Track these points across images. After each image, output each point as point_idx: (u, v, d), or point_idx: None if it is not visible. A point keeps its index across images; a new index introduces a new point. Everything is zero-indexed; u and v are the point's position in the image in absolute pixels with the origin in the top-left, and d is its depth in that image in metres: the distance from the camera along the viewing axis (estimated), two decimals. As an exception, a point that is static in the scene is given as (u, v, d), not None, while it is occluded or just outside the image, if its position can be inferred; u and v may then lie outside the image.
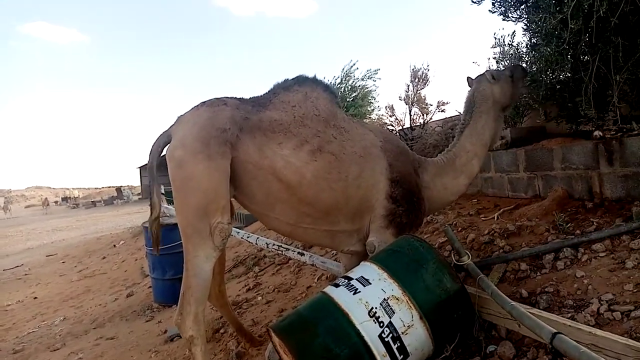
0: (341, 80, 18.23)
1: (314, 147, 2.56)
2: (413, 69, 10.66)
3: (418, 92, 10.67)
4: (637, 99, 3.55)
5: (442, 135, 6.62)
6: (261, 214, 2.75)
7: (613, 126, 3.72)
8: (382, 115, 13.13)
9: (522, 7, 3.76)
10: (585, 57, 3.59)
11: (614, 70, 3.17)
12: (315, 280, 4.44)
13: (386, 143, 2.84)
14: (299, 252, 4.19)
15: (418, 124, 10.71)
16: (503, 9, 3.85)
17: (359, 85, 18.55)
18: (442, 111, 10.66)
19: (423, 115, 11.04)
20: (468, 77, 3.32)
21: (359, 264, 2.53)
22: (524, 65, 3.58)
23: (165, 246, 5.22)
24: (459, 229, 4.31)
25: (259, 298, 4.57)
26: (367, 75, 18.63)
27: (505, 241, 3.61)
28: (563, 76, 3.88)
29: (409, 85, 10.82)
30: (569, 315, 2.36)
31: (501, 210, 4.44)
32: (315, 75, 2.82)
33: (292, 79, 2.82)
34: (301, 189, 2.54)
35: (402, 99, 11.25)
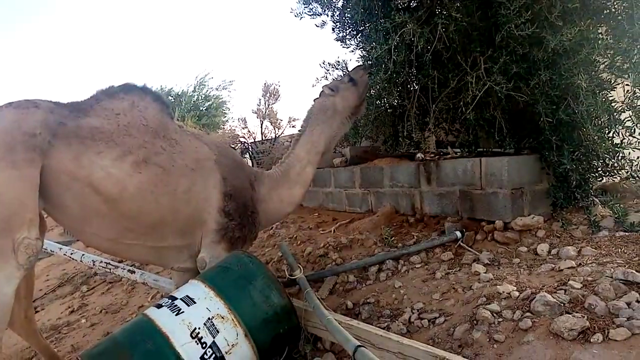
0: (194, 88, 17.85)
1: (138, 158, 2.38)
2: (265, 84, 10.91)
3: (270, 106, 10.91)
4: (451, 126, 4.02)
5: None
6: (76, 230, 2.49)
7: (432, 149, 4.17)
8: (235, 127, 13.19)
9: (359, 35, 4.04)
10: (412, 87, 3.97)
11: (432, 99, 3.56)
12: (149, 299, 4.18)
13: (221, 157, 2.78)
14: (129, 270, 3.89)
15: (270, 137, 10.90)
16: (342, 35, 4.09)
17: (213, 95, 18.35)
18: (292, 127, 11.03)
19: (275, 129, 11.28)
20: (314, 99, 3.38)
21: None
22: (363, 64, 3.55)
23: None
24: (299, 242, 4.42)
25: (83, 321, 4.14)
26: (222, 85, 18.52)
27: (338, 254, 3.79)
28: (392, 102, 4.23)
29: (260, 100, 11.00)
30: (385, 324, 2.54)
31: (338, 224, 4.67)
32: (144, 84, 2.66)
33: (118, 86, 2.60)
34: (123, 203, 2.35)
35: (255, 112, 11.38)
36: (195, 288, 2.28)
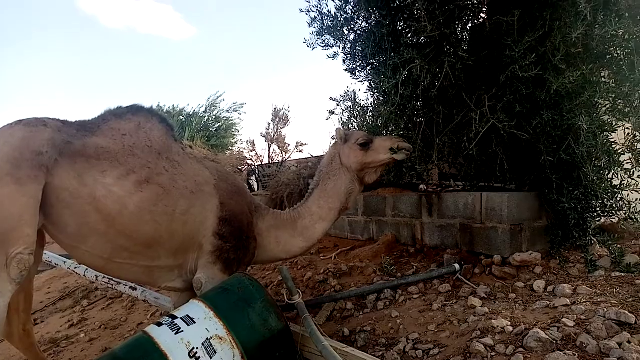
0: (206, 109, 18.17)
1: (141, 178, 2.44)
2: (275, 109, 11.08)
3: (278, 130, 11.06)
4: (454, 159, 4.09)
5: (295, 175, 6.86)
6: (71, 247, 2.51)
7: (435, 181, 4.23)
8: (244, 149, 13.36)
9: (368, 68, 4.14)
10: (417, 119, 4.06)
11: (436, 133, 3.64)
12: (149, 316, 4.20)
13: (220, 182, 2.83)
14: (130, 287, 3.94)
15: (277, 161, 11.01)
16: (352, 66, 4.20)
17: (224, 117, 18.66)
18: (300, 151, 11.17)
19: (282, 153, 11.39)
20: (337, 129, 3.11)
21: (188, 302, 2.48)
22: (398, 141, 3.00)
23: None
24: (299, 267, 4.45)
25: (82, 335, 4.16)
26: (233, 107, 18.88)
27: (337, 281, 3.83)
28: (398, 133, 4.31)
29: (270, 124, 11.16)
30: (380, 353, 2.56)
31: (339, 250, 4.71)
32: (152, 106, 2.75)
33: (127, 107, 2.70)
34: (122, 221, 2.40)
35: (263, 135, 11.53)
36: (196, 308, 2.32)
